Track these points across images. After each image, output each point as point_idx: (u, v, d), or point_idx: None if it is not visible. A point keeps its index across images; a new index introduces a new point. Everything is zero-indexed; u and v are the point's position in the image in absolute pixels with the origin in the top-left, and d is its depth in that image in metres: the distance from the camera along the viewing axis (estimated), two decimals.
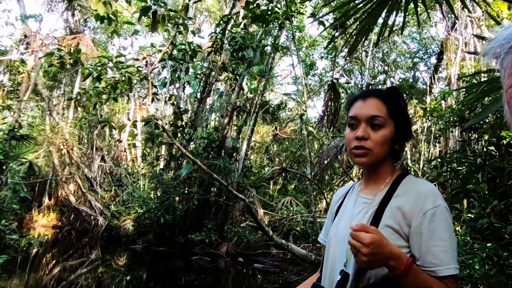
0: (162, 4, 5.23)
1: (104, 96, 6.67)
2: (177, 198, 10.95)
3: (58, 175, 14.09)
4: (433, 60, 10.79)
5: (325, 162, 8.46)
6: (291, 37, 9.04)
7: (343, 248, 1.12)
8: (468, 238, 5.10)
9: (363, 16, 2.78)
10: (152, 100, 7.29)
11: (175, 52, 7.30)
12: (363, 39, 3.08)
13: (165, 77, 9.05)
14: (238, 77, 11.52)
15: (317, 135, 11.40)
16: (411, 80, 12.25)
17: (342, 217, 1.26)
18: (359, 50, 10.79)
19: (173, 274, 8.85)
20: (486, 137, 6.83)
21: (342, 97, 10.05)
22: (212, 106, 13.02)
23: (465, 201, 7.13)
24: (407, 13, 3.01)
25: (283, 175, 11.40)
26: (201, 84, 11.81)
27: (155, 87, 8.93)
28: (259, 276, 9.06)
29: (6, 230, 7.86)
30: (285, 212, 10.30)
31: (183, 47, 6.81)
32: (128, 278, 8.61)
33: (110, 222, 12.38)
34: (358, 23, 2.87)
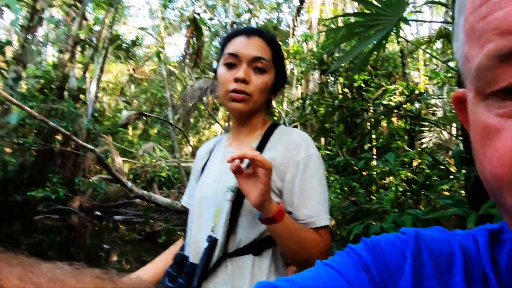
0: None
1: None
2: (8, 150, 8.89)
3: None
4: (296, 2, 11.10)
5: (190, 104, 8.01)
6: None
7: (210, 211, 1.03)
8: (326, 173, 5.60)
9: None
10: None
11: None
12: None
13: None
14: (78, 4, 9.59)
15: (179, 75, 10.61)
16: (275, 22, 12.45)
17: (210, 175, 1.11)
18: None
19: (11, 238, 7.35)
20: (341, 80, 7.43)
21: (205, 35, 9.49)
22: (46, 37, 10.69)
23: (322, 139, 7.85)
24: None
25: (144, 119, 10.43)
26: (28, 9, 9.44)
27: None
28: (122, 227, 8.37)
29: None
30: (147, 159, 9.55)
31: None
32: None
33: None
34: None
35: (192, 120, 9.92)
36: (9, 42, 10.32)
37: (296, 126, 7.93)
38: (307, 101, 6.93)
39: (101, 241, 7.34)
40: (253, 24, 11.83)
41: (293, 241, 0.93)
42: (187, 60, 8.03)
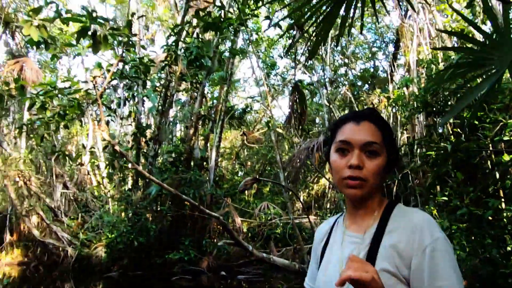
0: (102, 22, 4.82)
1: (53, 125, 6.14)
2: (149, 218, 10.46)
3: (17, 209, 13.13)
4: (391, 48, 11.02)
5: (298, 164, 8.34)
6: (248, 41, 8.84)
7: None
8: (447, 224, 5.11)
9: (320, 18, 2.63)
10: (107, 123, 6.82)
11: (127, 68, 6.87)
12: (322, 43, 2.93)
13: (119, 96, 8.56)
14: (198, 86, 11.20)
15: (286, 135, 11.28)
16: (371, 70, 12.45)
17: (330, 261, 1.13)
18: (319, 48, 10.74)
19: None
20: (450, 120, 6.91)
21: (307, 97, 9.98)
22: (175, 117, 12.61)
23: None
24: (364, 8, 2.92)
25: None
26: (161, 96, 11.39)
27: (109, 108, 8.43)
28: (244, 286, 8.80)
29: None
30: (263, 217, 10.09)
31: (134, 63, 6.41)
32: None
33: (81, 252, 11.68)
34: (315, 26, 2.72)
35: (300, 176, 10.22)
36: (148, 126, 12.53)
37: (406, 174, 7.51)
38: (415, 147, 6.59)
39: None
40: (350, 76, 11.98)
41: None
42: (292, 122, 8.53)
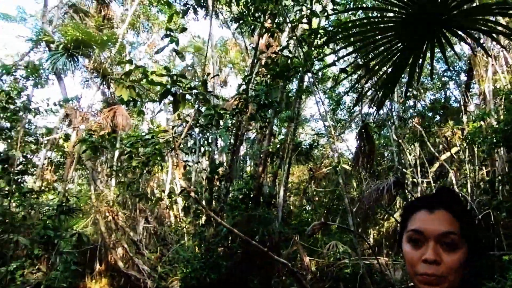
0: (180, 84, 5.47)
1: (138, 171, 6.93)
2: (221, 254, 10.81)
3: (106, 241, 14.46)
4: (463, 77, 10.42)
5: (367, 207, 8.13)
6: (313, 82, 9.10)
7: None
8: None
9: (388, 64, 2.72)
10: (185, 167, 7.47)
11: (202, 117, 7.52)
12: (390, 94, 3.03)
13: (193, 144, 9.30)
14: (267, 125, 11.63)
15: (354, 173, 11.10)
16: (442, 100, 11.81)
17: None
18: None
19: None
20: None
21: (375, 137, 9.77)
22: (245, 155, 13.13)
23: None
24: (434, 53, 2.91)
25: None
26: (232, 136, 12.03)
27: (186, 153, 9.19)
28: None
29: None
30: (332, 256, 9.83)
31: (208, 112, 7.03)
32: None
33: (158, 285, 12.37)
34: (384, 73, 2.81)
35: (370, 216, 9.86)
36: (221, 164, 13.21)
37: (487, 210, 6.87)
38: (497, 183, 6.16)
39: None
40: (419, 108, 11.47)
41: None
42: (360, 162, 8.41)
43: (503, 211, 6.86)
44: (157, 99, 5.80)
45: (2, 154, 11.32)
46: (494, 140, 6.69)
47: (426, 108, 11.38)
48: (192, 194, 6.78)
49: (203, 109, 7.06)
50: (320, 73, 12.15)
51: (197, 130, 8.07)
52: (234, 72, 20.34)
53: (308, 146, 12.94)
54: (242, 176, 13.55)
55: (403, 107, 10.86)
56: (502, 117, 6.90)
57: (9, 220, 8.86)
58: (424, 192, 9.07)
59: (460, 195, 8.17)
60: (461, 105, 8.99)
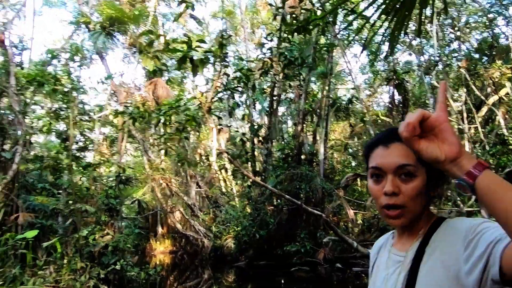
0: (198, 50, 5.57)
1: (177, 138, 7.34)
2: (268, 212, 11.30)
3: (163, 206, 15.59)
4: None
5: None
6: (335, 36, 8.75)
7: None
8: None
9: None
10: (219, 131, 7.72)
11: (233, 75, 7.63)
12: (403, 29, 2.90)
13: (231, 103, 9.50)
14: (302, 84, 11.53)
15: (392, 123, 10.76)
16: (490, 40, 10.71)
17: (376, 279, 1.10)
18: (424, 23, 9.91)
19: (277, 286, 9.12)
20: None
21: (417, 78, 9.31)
22: (283, 116, 13.19)
23: None
24: None
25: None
26: (267, 97, 12.09)
27: (219, 117, 9.45)
28: (361, 280, 8.83)
29: (127, 267, 8.95)
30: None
31: (237, 74, 7.13)
32: None
33: (214, 243, 13.26)
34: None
35: None
36: (260, 126, 13.44)
37: None
38: None
39: None
40: (463, 51, 10.60)
41: None
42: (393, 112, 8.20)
43: None
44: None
45: (62, 134, 12.44)
46: None
47: (472, 49, 10.48)
48: (225, 155, 7.07)
49: (231, 72, 7.19)
50: (353, 24, 11.60)
51: (227, 93, 8.23)
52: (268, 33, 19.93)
53: (347, 101, 12.69)
54: (282, 137, 13.70)
55: (443, 52, 10.09)
56: None
57: (74, 192, 9.85)
58: (471, 139, 8.64)
59: (510, 138, 7.72)
60: (511, 42, 8.18)
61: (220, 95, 7.70)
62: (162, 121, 6.61)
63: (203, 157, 14.89)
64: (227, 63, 6.71)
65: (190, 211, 15.58)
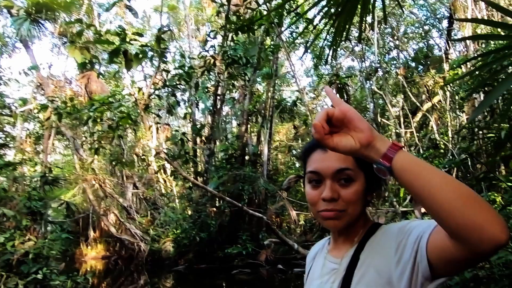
0: (132, 43, 5.16)
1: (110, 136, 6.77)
2: (210, 214, 10.98)
3: (96, 209, 14.54)
4: (446, 24, 10.20)
5: None
6: (277, 36, 8.79)
7: None
8: None
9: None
10: (157, 130, 7.28)
11: (175, 73, 7.26)
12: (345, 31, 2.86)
13: (171, 102, 9.04)
14: (247, 83, 11.39)
15: None
16: (425, 50, 11.57)
17: (311, 286, 1.07)
18: (367, 31, 10.34)
19: None
20: None
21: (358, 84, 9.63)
22: (226, 116, 12.97)
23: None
24: None
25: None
26: (211, 97, 11.79)
27: (158, 116, 8.98)
28: (302, 280, 8.88)
29: (51, 275, 8.11)
30: None
31: (178, 71, 6.75)
32: None
33: (152, 247, 12.61)
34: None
35: None
36: (203, 126, 13.08)
37: (466, 158, 6.98)
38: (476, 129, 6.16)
39: None
40: (401, 59, 11.28)
41: (439, 182, 0.71)
42: None
43: (482, 155, 6.97)
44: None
45: None
46: (471, 87, 6.63)
47: (409, 58, 11.22)
48: (163, 155, 6.70)
49: (172, 69, 6.80)
50: (299, 27, 11.75)
51: (166, 91, 7.80)
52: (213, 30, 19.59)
53: (292, 103, 12.81)
54: (226, 137, 13.47)
55: (384, 58, 10.66)
56: (480, 62, 6.81)
57: None
58: (407, 143, 9.16)
59: (441, 143, 8.26)
60: (443, 53, 8.85)
61: (158, 92, 7.23)
62: (92, 118, 6.02)
63: (141, 157, 14.10)
64: (165, 59, 6.31)
65: (125, 213, 14.71)
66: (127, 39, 5.36)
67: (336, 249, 1.05)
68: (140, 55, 5.24)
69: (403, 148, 0.77)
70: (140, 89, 6.74)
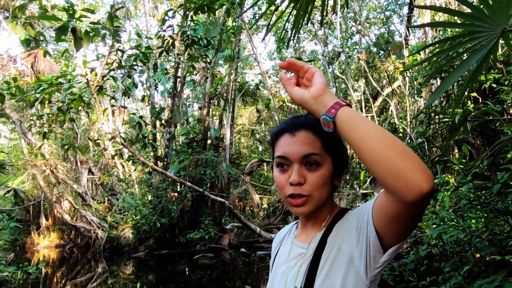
0: (82, 20, 4.76)
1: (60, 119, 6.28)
2: (171, 199, 10.73)
3: (48, 196, 13.77)
4: (406, 10, 10.44)
5: None
6: (239, 18, 8.58)
7: None
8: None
9: None
10: (113, 112, 6.87)
11: (130, 53, 6.83)
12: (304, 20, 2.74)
13: (130, 82, 8.56)
14: (208, 65, 11.07)
15: (299, 110, 11.15)
16: (386, 35, 11.83)
17: (277, 272, 1.07)
18: (329, 15, 10.36)
19: (179, 276, 8.74)
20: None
21: (322, 68, 9.65)
22: (187, 99, 12.61)
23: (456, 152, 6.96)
24: None
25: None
26: (171, 79, 11.36)
27: (114, 98, 8.51)
28: (265, 262, 8.99)
29: None
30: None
31: (133, 51, 6.37)
32: (138, 286, 8.48)
33: (110, 234, 12.20)
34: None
35: None
36: (163, 109, 12.62)
37: (423, 142, 7.27)
38: (432, 114, 6.34)
39: (251, 275, 8.07)
40: (364, 44, 11.45)
41: (376, 133, 0.77)
42: None
43: (437, 139, 7.26)
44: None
45: None
46: (429, 72, 6.83)
47: (371, 43, 11.40)
48: (118, 139, 6.36)
49: (128, 49, 6.39)
50: (260, 8, 11.53)
51: (122, 71, 7.36)
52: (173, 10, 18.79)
53: (255, 87, 12.65)
54: (187, 120, 13.13)
55: (346, 43, 10.76)
56: (437, 49, 7.01)
57: None
58: None
59: (400, 127, 8.52)
60: (404, 39, 9.08)
61: (112, 73, 6.79)
62: (39, 100, 5.53)
63: (96, 141, 13.46)
64: (120, 38, 5.91)
65: (81, 200, 14.06)
66: (77, 16, 4.94)
67: (303, 234, 1.06)
68: (91, 33, 4.84)
69: (351, 107, 0.83)
70: (92, 69, 6.27)
